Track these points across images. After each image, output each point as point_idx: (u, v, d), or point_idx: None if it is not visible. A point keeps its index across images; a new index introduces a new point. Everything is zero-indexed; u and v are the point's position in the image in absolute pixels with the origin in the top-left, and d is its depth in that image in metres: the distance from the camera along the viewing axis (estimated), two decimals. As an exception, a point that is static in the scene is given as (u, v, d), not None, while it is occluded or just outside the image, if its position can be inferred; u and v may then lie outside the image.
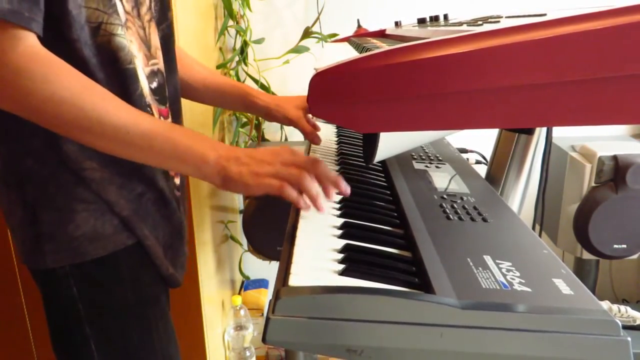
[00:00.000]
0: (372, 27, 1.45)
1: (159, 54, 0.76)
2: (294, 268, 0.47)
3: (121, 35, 0.64)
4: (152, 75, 0.73)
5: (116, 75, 0.64)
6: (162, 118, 0.75)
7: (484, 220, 0.61)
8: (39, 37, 0.56)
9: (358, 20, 1.60)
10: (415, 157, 0.88)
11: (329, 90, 0.49)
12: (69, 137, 0.60)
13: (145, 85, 0.70)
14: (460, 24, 0.70)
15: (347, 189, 0.60)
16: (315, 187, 0.59)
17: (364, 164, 0.84)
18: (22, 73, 0.53)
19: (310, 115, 0.94)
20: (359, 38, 1.25)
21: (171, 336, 0.77)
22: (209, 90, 0.94)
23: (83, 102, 0.56)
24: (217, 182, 0.60)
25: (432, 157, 0.89)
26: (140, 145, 0.58)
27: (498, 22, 0.56)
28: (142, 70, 0.70)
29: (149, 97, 0.71)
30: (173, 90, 0.80)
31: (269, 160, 0.59)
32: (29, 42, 0.54)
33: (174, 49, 0.80)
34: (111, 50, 0.63)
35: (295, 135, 1.72)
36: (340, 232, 0.58)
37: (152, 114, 0.72)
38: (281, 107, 0.92)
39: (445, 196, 0.69)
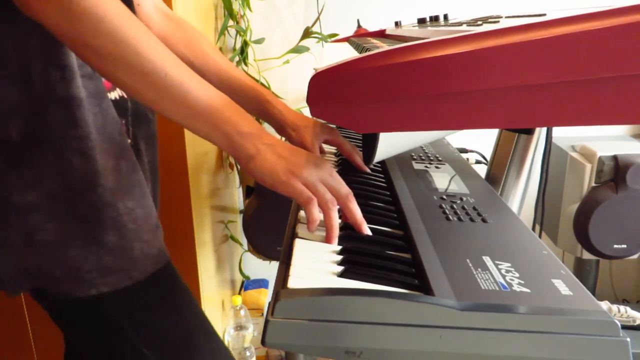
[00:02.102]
0: (372, 27, 1.45)
1: None
2: (293, 270, 0.47)
3: None
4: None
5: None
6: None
7: (484, 220, 0.61)
8: None
9: (358, 20, 1.60)
10: (415, 157, 0.88)
11: (329, 91, 0.49)
12: (100, 67, 0.55)
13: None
14: (460, 24, 0.70)
15: (367, 232, 0.58)
16: (337, 222, 0.56)
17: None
18: None
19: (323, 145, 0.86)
20: (359, 38, 1.25)
21: (198, 311, 0.75)
22: (223, 84, 0.85)
23: (125, 27, 0.52)
24: (242, 158, 0.57)
25: (432, 157, 0.88)
26: (174, 92, 0.54)
27: (498, 22, 0.56)
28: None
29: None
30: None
31: (309, 168, 0.56)
32: None
33: None
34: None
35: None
36: (339, 233, 0.58)
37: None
38: (299, 129, 0.82)
39: (444, 197, 0.69)
